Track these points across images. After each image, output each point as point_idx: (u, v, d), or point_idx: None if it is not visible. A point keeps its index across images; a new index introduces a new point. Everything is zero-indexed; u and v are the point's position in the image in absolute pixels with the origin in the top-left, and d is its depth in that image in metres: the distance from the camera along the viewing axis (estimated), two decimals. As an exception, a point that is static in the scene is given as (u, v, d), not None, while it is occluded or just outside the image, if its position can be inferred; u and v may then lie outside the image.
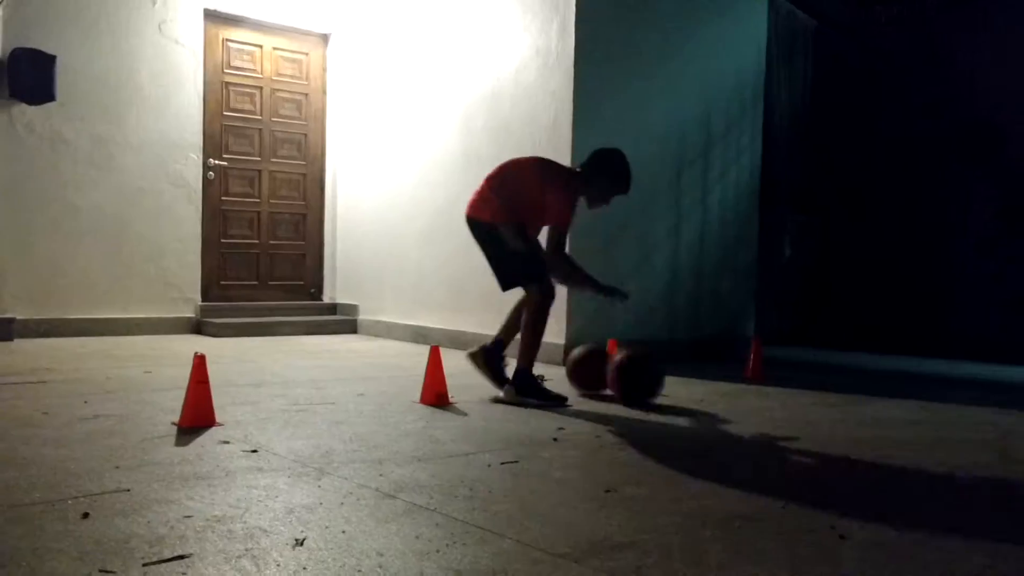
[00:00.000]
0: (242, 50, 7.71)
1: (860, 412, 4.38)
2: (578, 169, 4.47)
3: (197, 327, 7.28)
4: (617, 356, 4.45)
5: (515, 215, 4.28)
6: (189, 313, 7.33)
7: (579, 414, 4.02)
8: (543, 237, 4.46)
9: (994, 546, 2.24)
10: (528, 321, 4.30)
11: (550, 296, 4.32)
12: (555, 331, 5.88)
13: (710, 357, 6.33)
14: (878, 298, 8.28)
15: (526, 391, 4.24)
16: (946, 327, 7.88)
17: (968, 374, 6.40)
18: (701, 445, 3.43)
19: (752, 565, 2.03)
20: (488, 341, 4.51)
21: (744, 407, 4.42)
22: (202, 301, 7.41)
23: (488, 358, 4.43)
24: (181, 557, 1.94)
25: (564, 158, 5.80)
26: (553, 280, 4.37)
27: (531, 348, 4.29)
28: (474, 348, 4.52)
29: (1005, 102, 7.80)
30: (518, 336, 4.41)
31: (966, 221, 8.04)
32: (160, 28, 7.10)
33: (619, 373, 4.39)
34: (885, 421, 4.15)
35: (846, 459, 3.26)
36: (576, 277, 4.45)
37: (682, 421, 3.96)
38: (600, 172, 4.40)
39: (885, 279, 8.29)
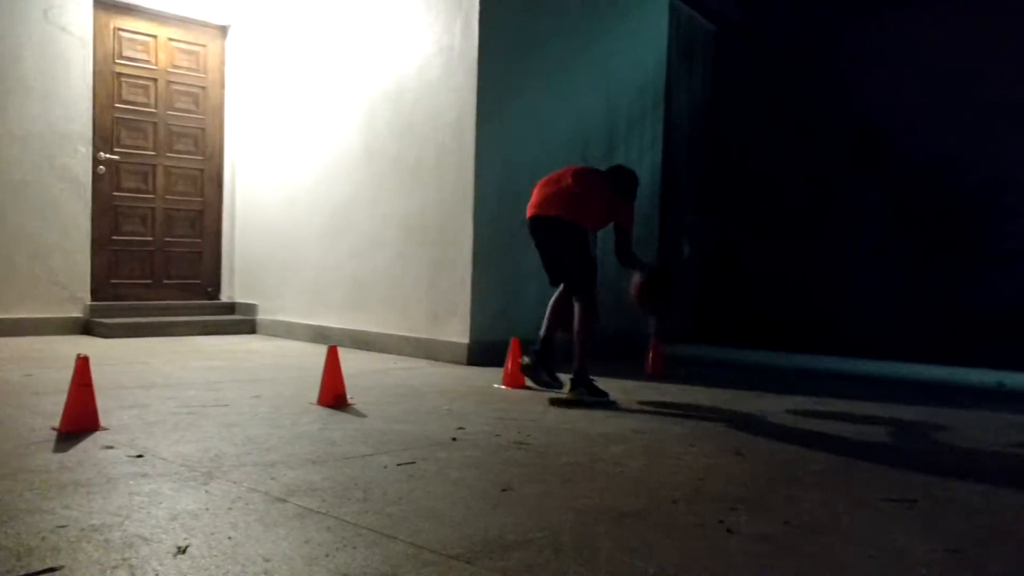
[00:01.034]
0: (135, 40, 7.42)
1: (753, 407, 4.50)
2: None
3: (86, 327, 6.97)
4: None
5: (594, 221, 4.61)
6: (77, 313, 7.01)
7: (479, 413, 4.01)
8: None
9: (873, 538, 2.32)
10: (583, 324, 4.50)
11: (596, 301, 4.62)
12: (459, 331, 5.88)
13: (612, 355, 6.40)
14: (777, 297, 8.54)
15: (586, 390, 4.44)
16: (841, 325, 8.18)
17: (860, 370, 6.64)
18: (598, 442, 3.47)
19: (642, 561, 2.05)
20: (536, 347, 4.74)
21: (643, 402, 4.50)
22: (92, 301, 7.10)
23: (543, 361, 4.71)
24: (51, 570, 1.84)
25: (468, 156, 5.80)
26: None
27: (585, 346, 4.52)
28: (527, 360, 4.77)
29: (893, 110, 8.14)
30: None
31: (860, 222, 8.35)
32: (46, 14, 6.76)
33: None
34: (777, 416, 4.28)
35: (737, 454, 3.34)
36: (639, 267, 4.77)
37: (581, 418, 3.99)
38: (628, 186, 4.77)
39: (783, 278, 8.55)
